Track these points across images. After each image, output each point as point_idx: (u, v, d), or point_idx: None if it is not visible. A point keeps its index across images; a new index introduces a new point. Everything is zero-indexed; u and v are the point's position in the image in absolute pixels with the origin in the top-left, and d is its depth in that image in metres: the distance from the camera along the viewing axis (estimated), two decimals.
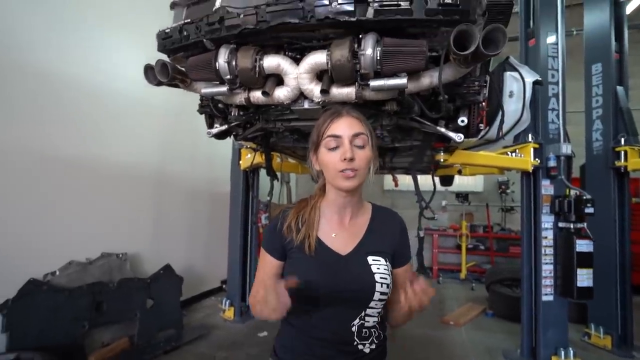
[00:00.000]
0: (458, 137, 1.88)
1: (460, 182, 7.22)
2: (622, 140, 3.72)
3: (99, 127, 3.58)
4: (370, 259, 1.00)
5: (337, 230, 1.05)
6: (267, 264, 1.05)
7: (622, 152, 3.70)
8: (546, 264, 3.18)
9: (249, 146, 3.72)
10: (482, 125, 2.27)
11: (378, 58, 1.41)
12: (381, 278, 0.98)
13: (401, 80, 1.46)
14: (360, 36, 1.46)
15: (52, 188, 3.12)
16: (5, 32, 2.82)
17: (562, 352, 3.07)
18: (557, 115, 3.28)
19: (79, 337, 2.91)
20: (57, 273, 2.98)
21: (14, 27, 2.89)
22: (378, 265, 0.99)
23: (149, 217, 4.24)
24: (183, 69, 1.82)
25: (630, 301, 3.78)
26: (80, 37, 3.39)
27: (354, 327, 0.97)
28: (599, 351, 3.65)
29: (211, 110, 2.21)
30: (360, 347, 0.98)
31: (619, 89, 3.95)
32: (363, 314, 0.98)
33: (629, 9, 5.47)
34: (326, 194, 1.08)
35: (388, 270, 1.01)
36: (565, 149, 3.15)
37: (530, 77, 2.92)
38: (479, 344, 3.77)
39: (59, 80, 3.22)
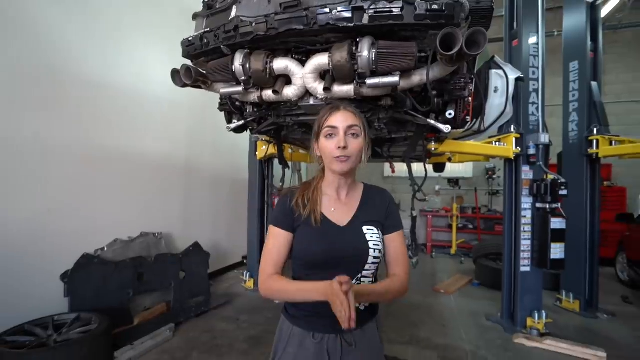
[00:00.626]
0: (446, 128, 1.87)
1: (452, 169, 7.15)
2: (595, 130, 3.64)
3: (136, 124, 3.63)
4: (364, 228, 1.04)
5: (335, 206, 1.08)
6: (280, 237, 1.04)
7: (595, 141, 3.62)
8: (525, 239, 3.16)
9: (263, 139, 3.74)
10: (468, 118, 2.24)
11: (373, 59, 1.41)
12: (374, 245, 1.01)
13: (394, 78, 1.45)
14: (358, 40, 1.45)
15: (99, 178, 3.20)
16: (63, 45, 2.88)
17: (536, 315, 3.08)
18: (537, 108, 3.20)
19: (126, 302, 3.03)
20: (105, 249, 3.09)
21: (72, 41, 2.95)
22: (371, 234, 1.03)
23: (179, 202, 4.32)
24: (204, 72, 1.84)
25: (597, 271, 3.78)
26: (122, 48, 3.44)
27: None
28: (569, 313, 3.67)
29: (229, 107, 2.23)
30: (356, 305, 1.01)
31: (593, 84, 3.84)
32: (359, 275, 1.02)
33: (604, 12, 5.28)
34: (325, 175, 1.11)
35: (380, 238, 1.04)
36: (544, 138, 3.10)
37: (513, 74, 2.87)
38: (465, 308, 3.80)
39: (108, 86, 3.28)
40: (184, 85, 1.85)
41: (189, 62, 1.86)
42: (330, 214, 1.06)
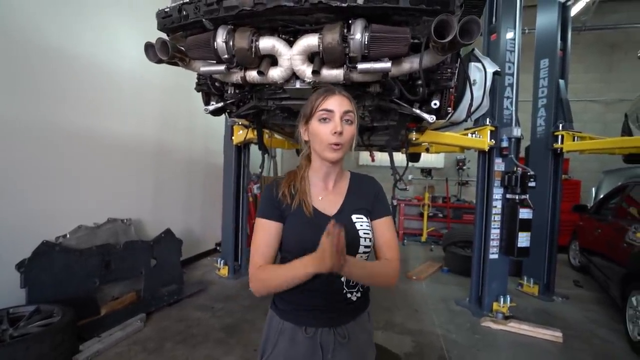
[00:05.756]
0: (431, 118, 1.86)
1: (425, 159, 7.34)
2: (560, 126, 3.83)
3: (103, 103, 3.34)
4: (354, 217, 1.00)
5: (323, 194, 1.03)
6: (268, 229, 0.98)
7: (560, 136, 3.82)
8: (494, 228, 3.30)
9: (241, 123, 3.60)
10: (450, 109, 2.26)
11: (366, 42, 1.35)
12: (364, 233, 0.98)
13: (386, 64, 1.41)
14: (350, 22, 1.39)
15: (61, 158, 2.93)
16: (25, 16, 2.57)
17: (502, 299, 3.25)
18: (511, 103, 3.30)
19: (92, 292, 2.84)
20: (68, 236, 2.86)
21: (34, 12, 2.65)
22: (361, 223, 0.99)
23: (150, 186, 4.09)
24: (182, 47, 1.70)
25: (555, 258, 4.04)
26: (87, 18, 3.11)
27: (343, 277, 0.97)
28: (529, 297, 3.93)
29: (208, 88, 2.09)
30: (348, 295, 0.99)
31: (561, 82, 4.02)
32: None
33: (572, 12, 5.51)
34: (312, 163, 1.05)
35: (369, 226, 1.01)
36: (516, 132, 3.21)
37: (491, 68, 2.91)
38: (436, 294, 3.95)
39: (71, 61, 2.99)
40: (159, 61, 1.68)
41: (164, 36, 1.69)
42: (318, 203, 1.01)
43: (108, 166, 3.42)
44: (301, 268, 0.87)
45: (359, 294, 1.02)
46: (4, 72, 2.50)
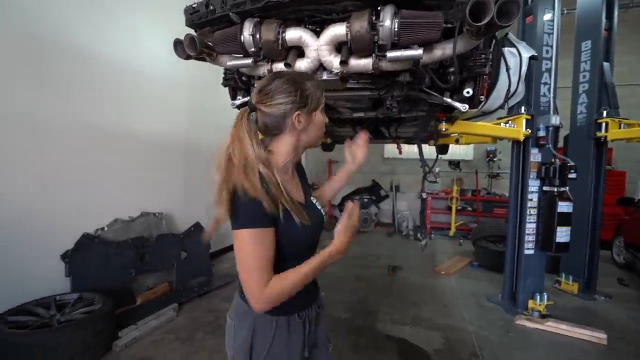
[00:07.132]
0: (463, 107, 1.77)
1: (452, 151, 7.07)
2: (605, 112, 3.56)
3: (135, 103, 3.50)
4: (313, 200, 1.10)
5: (290, 185, 1.02)
6: (267, 240, 0.86)
7: (604, 124, 3.55)
8: (530, 222, 3.15)
9: None
10: (482, 97, 2.15)
11: (396, 29, 1.30)
12: (324, 213, 1.11)
13: (417, 51, 1.35)
14: (379, 8, 1.34)
15: (98, 157, 3.10)
16: (51, 14, 2.70)
17: (538, 297, 3.10)
18: (549, 89, 3.11)
19: (128, 282, 3.00)
20: (106, 229, 3.03)
21: (63, 13, 2.79)
22: (318, 203, 1.11)
23: (179, 181, 4.24)
24: (209, 43, 1.72)
25: (597, 254, 3.81)
26: (116, 18, 3.24)
27: None
28: (567, 295, 3.73)
29: (235, 82, 2.11)
30: None
31: (606, 65, 3.73)
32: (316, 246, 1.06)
33: None
34: (287, 152, 0.99)
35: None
36: (555, 120, 3.02)
37: (526, 53, 2.75)
38: (466, 289, 3.84)
39: (104, 62, 3.14)
40: (188, 57, 1.72)
41: (192, 32, 1.72)
42: (294, 195, 0.99)
43: (140, 162, 3.57)
44: (328, 259, 0.91)
45: None
46: (40, 73, 2.65)
